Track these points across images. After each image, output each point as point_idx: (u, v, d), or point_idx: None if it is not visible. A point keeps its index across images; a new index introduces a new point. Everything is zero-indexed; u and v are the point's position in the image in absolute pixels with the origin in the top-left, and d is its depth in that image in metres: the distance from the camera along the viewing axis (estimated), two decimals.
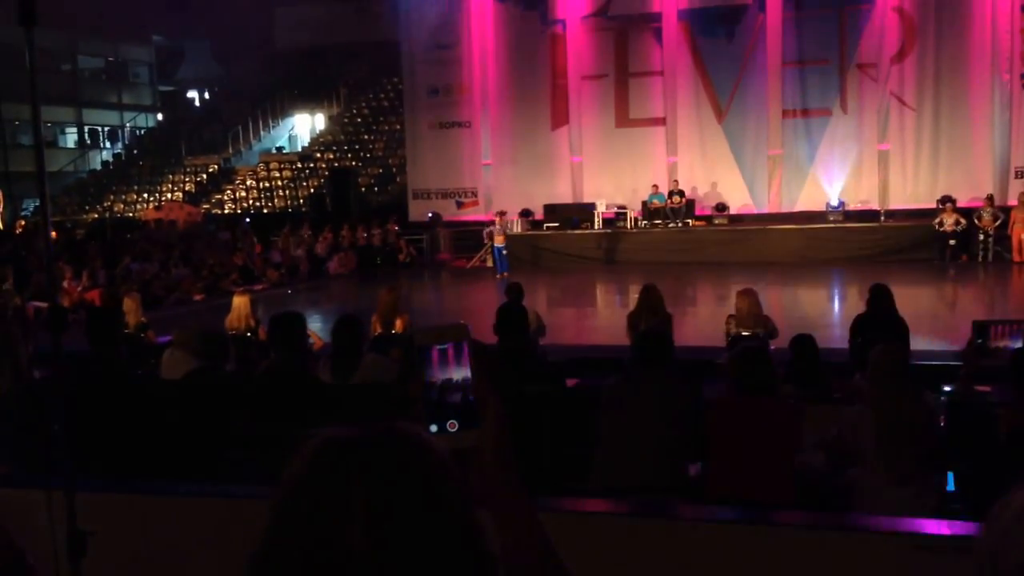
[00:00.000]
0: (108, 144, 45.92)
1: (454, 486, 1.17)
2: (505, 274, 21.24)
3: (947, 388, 6.46)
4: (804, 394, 6.20)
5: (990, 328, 7.02)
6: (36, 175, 3.73)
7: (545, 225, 25.46)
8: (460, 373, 1.47)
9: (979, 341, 6.73)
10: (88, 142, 45.26)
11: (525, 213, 25.98)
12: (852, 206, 23.94)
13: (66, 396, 3.56)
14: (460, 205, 27.63)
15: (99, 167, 41.99)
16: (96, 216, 35.16)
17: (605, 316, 17.42)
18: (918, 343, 8.53)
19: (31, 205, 36.05)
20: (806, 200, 24.73)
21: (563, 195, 26.36)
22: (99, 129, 46.44)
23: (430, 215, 27.19)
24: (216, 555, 4.11)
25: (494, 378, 1.61)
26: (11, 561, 1.37)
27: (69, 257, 20.71)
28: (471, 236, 25.61)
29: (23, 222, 30.53)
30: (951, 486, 4.85)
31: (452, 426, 1.42)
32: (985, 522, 1.27)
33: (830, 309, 17.29)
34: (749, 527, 3.67)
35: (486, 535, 1.20)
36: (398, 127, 33.16)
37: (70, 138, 45.08)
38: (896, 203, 23.99)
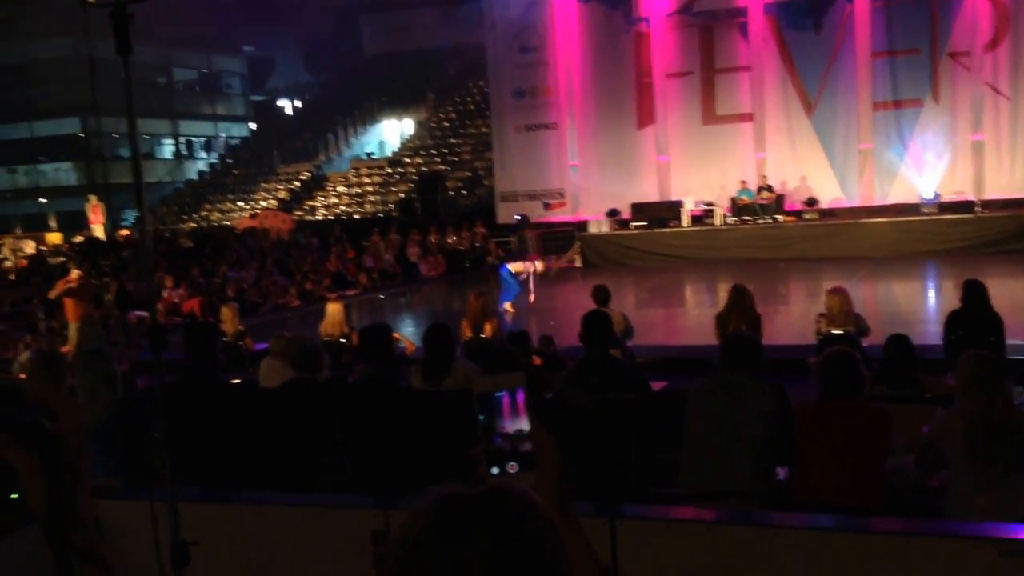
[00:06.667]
0: (203, 154, 47.17)
1: (558, 542, 1.24)
2: (508, 305, 16.87)
3: None
4: (896, 395, 6.14)
5: None
6: (134, 187, 3.92)
7: (632, 224, 25.38)
8: (527, 424, 1.62)
9: None
10: (184, 153, 46.52)
11: (612, 213, 25.95)
12: (947, 197, 23.33)
13: (167, 407, 3.73)
14: (547, 206, 27.65)
15: (195, 177, 43.11)
16: (194, 225, 36.07)
17: (693, 316, 17.33)
18: (1015, 337, 8.38)
19: (130, 216, 37.17)
20: (899, 192, 24.19)
21: (649, 194, 26.19)
22: (194, 140, 47.72)
23: (517, 217, 27.29)
24: (316, 564, 4.26)
25: (549, 423, 1.74)
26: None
27: (168, 267, 21.27)
28: (559, 237, 25.66)
29: (126, 232, 31.51)
30: None
31: (512, 468, 1.56)
32: None
33: (925, 304, 16.94)
34: (836, 534, 3.68)
35: None
36: (484, 130, 33.37)
37: (167, 149, 46.38)
38: (992, 194, 23.36)
